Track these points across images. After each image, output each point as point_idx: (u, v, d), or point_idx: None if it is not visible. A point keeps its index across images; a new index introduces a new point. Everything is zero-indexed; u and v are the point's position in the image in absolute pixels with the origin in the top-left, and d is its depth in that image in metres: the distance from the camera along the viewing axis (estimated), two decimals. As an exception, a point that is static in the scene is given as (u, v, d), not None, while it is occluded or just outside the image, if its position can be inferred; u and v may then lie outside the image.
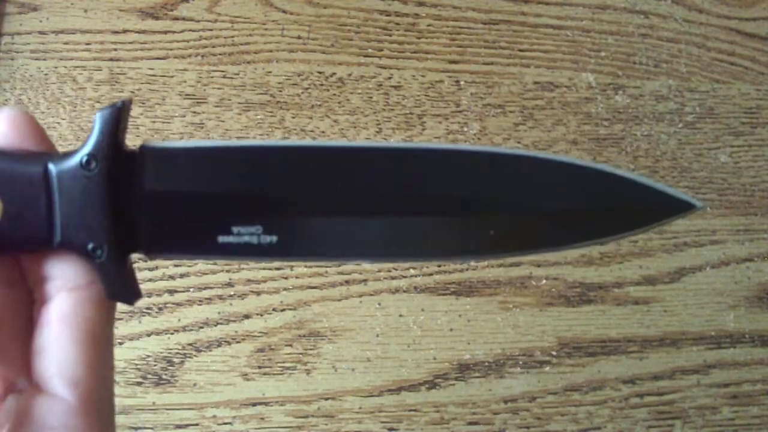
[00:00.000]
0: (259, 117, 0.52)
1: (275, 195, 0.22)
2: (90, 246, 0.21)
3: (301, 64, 0.54)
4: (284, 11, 0.55)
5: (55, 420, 0.19)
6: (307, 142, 0.21)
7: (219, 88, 0.52)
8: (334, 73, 0.54)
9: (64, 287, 0.21)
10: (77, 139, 0.50)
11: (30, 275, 0.22)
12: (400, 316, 0.49)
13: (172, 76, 0.52)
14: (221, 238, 0.22)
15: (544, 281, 0.50)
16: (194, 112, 0.52)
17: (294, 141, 0.21)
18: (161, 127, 0.51)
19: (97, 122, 0.21)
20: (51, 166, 0.21)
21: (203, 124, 0.52)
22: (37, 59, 0.52)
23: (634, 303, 0.51)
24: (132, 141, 0.53)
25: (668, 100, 0.56)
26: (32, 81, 0.52)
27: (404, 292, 0.49)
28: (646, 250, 0.52)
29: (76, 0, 0.54)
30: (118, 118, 0.21)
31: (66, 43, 0.53)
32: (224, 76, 0.53)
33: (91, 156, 0.21)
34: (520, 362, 0.48)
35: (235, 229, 0.21)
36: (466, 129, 0.53)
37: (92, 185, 0.21)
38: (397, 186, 0.22)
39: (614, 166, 0.23)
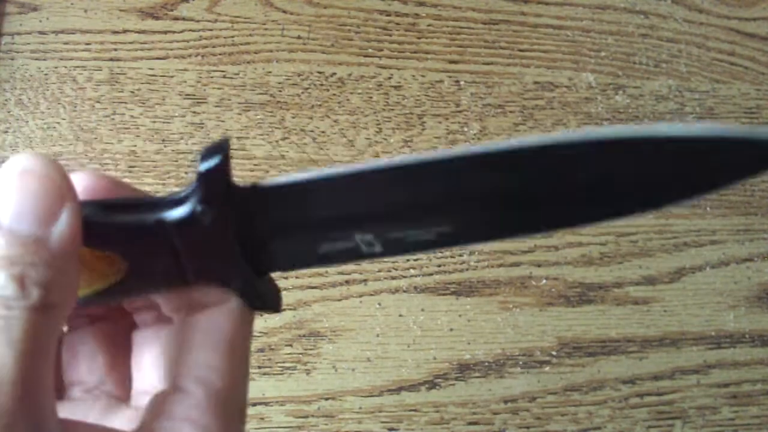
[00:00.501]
0: (259, 117, 0.52)
1: (389, 211, 0.21)
2: (222, 282, 0.21)
3: (301, 64, 0.54)
4: (284, 11, 0.55)
5: (186, 413, 0.19)
6: (410, 157, 0.21)
7: (219, 88, 0.52)
8: (334, 73, 0.54)
9: (202, 303, 0.21)
10: (77, 139, 0.50)
11: (165, 299, 0.22)
12: (400, 316, 0.49)
13: (172, 76, 0.52)
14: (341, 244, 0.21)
15: (544, 281, 0.50)
16: (194, 112, 0.52)
17: (394, 159, 0.20)
18: (161, 127, 0.51)
19: (202, 167, 0.20)
20: (165, 216, 0.20)
21: (203, 124, 0.52)
22: (37, 59, 0.52)
23: (634, 303, 0.51)
24: (132, 140, 0.53)
25: (668, 100, 0.56)
26: (32, 81, 0.51)
27: (404, 292, 0.49)
28: (646, 250, 0.52)
29: (76, 0, 0.54)
30: (225, 159, 0.20)
31: (66, 43, 0.53)
32: (224, 76, 0.53)
33: (205, 205, 0.20)
34: (520, 362, 0.48)
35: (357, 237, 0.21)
36: (466, 129, 0.53)
37: (211, 232, 0.20)
38: (506, 189, 0.21)
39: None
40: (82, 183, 0.21)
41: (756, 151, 0.20)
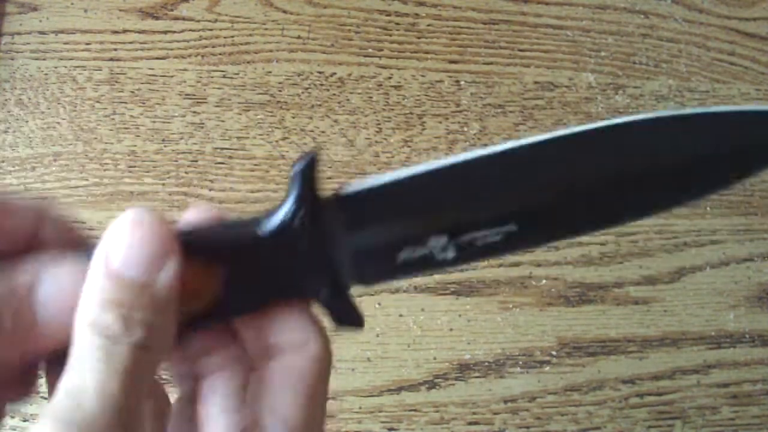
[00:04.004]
0: (259, 117, 0.52)
1: (461, 208, 0.22)
2: (308, 294, 0.22)
3: (301, 64, 0.54)
4: (284, 11, 0.55)
5: None
6: (486, 150, 0.22)
7: (219, 88, 0.52)
8: (334, 73, 0.54)
9: (284, 346, 0.22)
10: (77, 139, 0.50)
11: (246, 335, 0.23)
12: (400, 316, 0.49)
13: (172, 76, 0.52)
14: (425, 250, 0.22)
15: (544, 281, 0.50)
16: (194, 112, 0.52)
17: (472, 152, 0.22)
18: (161, 127, 0.51)
19: (295, 178, 0.22)
20: (258, 229, 0.22)
21: (203, 124, 0.52)
22: (37, 59, 0.52)
23: (634, 303, 0.51)
24: (132, 140, 0.53)
25: (668, 100, 0.56)
26: (32, 81, 0.52)
27: (404, 292, 0.49)
28: (646, 250, 0.52)
29: (76, 0, 0.54)
30: (312, 169, 0.22)
31: (66, 43, 0.53)
32: (224, 76, 0.53)
33: (295, 211, 0.21)
34: (520, 362, 0.48)
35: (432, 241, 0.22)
36: (466, 129, 0.53)
37: (301, 238, 0.21)
38: (565, 171, 0.23)
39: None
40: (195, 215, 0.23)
41: None
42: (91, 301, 0.19)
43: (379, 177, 0.22)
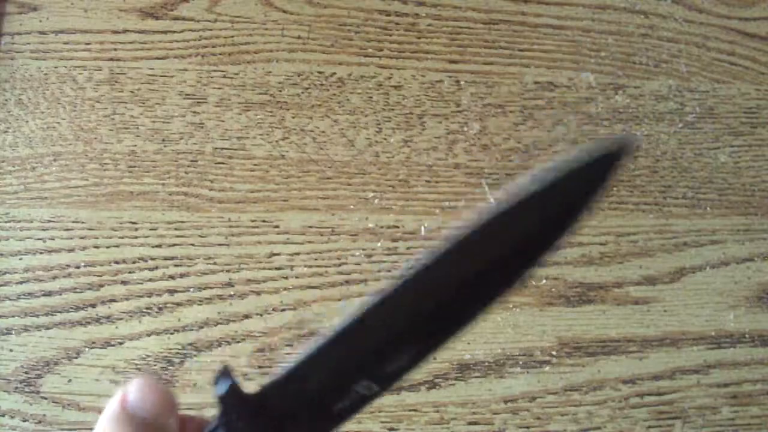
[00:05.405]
0: (259, 117, 0.52)
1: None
2: None
3: (301, 64, 0.54)
4: (284, 11, 0.55)
5: None
6: (362, 306, 0.24)
7: (219, 88, 0.52)
8: (334, 73, 0.54)
9: None
10: (77, 139, 0.50)
11: None
12: (400, 316, 0.49)
13: (172, 76, 0.52)
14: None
15: (544, 281, 0.50)
16: (194, 112, 0.52)
17: (352, 312, 0.23)
18: (161, 127, 0.51)
19: (221, 402, 0.24)
20: None
21: (203, 124, 0.52)
22: (37, 59, 0.52)
23: (634, 303, 0.51)
24: (132, 140, 0.53)
25: (668, 100, 0.56)
26: (32, 81, 0.51)
27: (404, 292, 0.49)
28: (646, 250, 0.52)
29: (76, 0, 0.54)
30: (234, 393, 0.24)
31: (66, 43, 0.53)
32: (224, 76, 0.53)
33: (227, 423, 0.24)
34: (520, 362, 0.48)
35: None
36: (466, 129, 0.53)
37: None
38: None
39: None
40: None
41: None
42: (105, 426, 0.22)
43: (294, 356, 0.24)
